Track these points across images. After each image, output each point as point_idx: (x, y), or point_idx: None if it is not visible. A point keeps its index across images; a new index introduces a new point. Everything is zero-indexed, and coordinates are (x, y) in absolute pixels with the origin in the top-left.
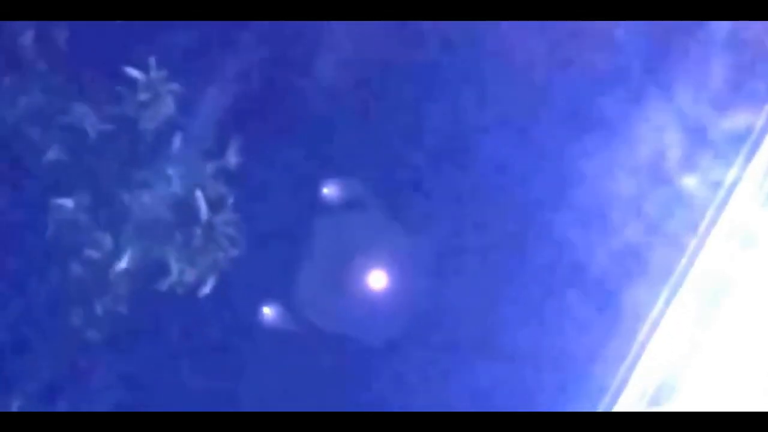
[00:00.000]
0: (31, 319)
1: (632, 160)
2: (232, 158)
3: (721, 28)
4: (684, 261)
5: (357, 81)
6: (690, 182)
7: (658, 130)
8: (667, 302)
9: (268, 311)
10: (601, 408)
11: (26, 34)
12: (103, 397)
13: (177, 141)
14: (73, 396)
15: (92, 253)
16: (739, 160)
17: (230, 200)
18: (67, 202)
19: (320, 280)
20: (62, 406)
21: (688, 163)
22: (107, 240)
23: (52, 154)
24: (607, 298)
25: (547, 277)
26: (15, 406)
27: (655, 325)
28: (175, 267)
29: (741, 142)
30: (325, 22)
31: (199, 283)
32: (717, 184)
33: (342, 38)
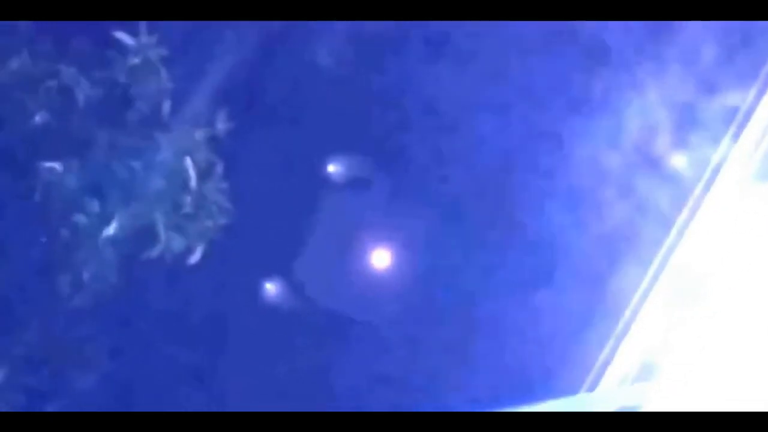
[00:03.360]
0: (17, 285)
1: (619, 138)
2: (223, 126)
3: None
4: (670, 239)
5: (358, 57)
6: (678, 161)
7: (646, 108)
8: (653, 282)
9: (268, 286)
10: (585, 388)
11: None
12: (90, 366)
13: (167, 107)
14: (59, 365)
15: (80, 219)
16: (727, 138)
17: (220, 168)
18: (56, 166)
19: (315, 252)
20: (46, 374)
21: (676, 142)
22: (95, 205)
23: (40, 118)
24: (592, 278)
25: (534, 256)
26: (1, 375)
27: (640, 304)
28: (163, 234)
29: (729, 120)
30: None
31: (189, 251)
32: (705, 162)
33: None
